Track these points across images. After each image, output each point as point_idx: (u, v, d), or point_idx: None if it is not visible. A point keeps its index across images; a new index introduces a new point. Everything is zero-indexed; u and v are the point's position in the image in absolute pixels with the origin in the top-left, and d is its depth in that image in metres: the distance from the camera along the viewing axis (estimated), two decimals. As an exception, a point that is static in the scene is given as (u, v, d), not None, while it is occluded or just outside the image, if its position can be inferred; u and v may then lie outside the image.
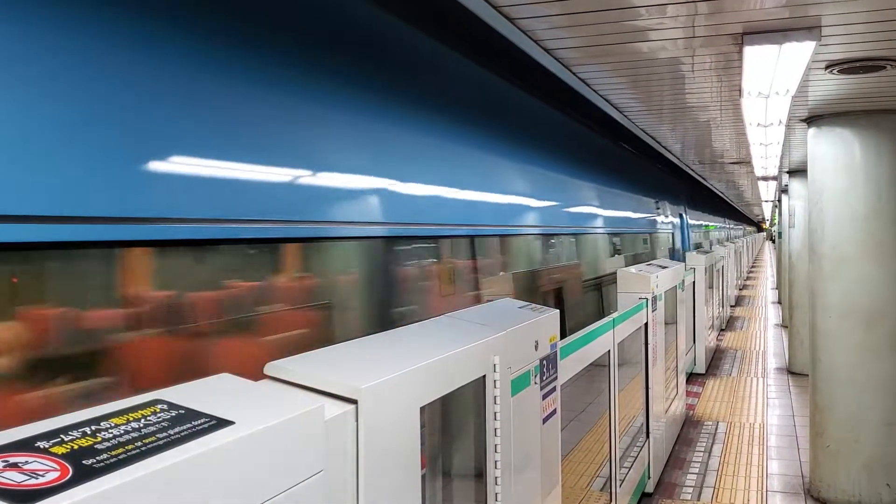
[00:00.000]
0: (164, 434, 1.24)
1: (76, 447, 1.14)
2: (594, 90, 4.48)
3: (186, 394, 1.44)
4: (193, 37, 2.22)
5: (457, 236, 3.75)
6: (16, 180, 1.68)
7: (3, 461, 1.06)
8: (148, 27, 2.09)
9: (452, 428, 2.37)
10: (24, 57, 1.76)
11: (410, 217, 3.20)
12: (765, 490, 5.84)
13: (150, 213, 2.00)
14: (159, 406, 1.37)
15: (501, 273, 4.53)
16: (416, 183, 3.23)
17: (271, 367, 1.68)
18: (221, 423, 1.31)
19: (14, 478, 1.02)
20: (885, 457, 5.36)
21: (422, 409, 1.85)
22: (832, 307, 5.51)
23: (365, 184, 2.86)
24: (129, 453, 1.14)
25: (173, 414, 1.34)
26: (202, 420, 1.31)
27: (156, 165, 2.03)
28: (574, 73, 3.97)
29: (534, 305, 2.97)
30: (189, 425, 1.29)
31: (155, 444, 1.19)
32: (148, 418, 1.30)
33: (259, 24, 2.49)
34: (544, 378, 2.77)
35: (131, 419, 1.29)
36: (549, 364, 2.82)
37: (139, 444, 1.19)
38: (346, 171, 2.76)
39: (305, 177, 2.58)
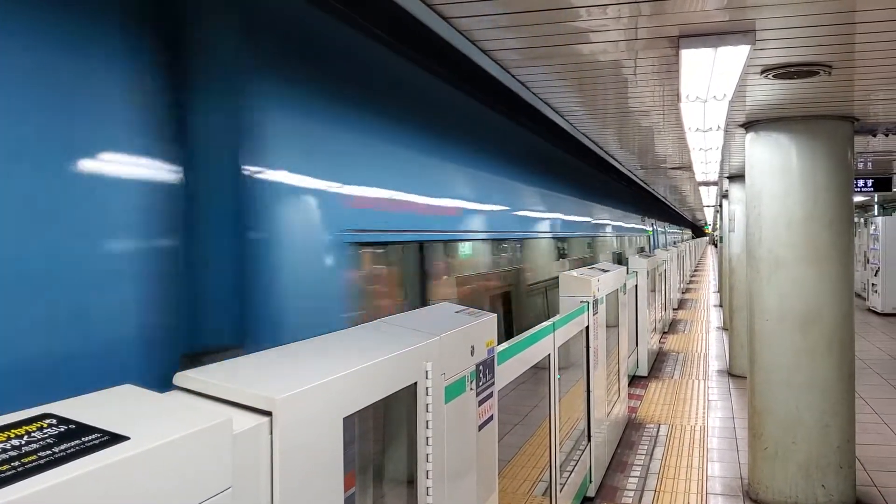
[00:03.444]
0: (48, 452, 1.12)
1: (-61, 470, 1.02)
2: (535, 94, 4.44)
3: (81, 407, 1.33)
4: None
5: (395, 242, 3.66)
6: None
7: None
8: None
9: (388, 437, 2.28)
10: None
11: (351, 224, 3.11)
12: (705, 492, 5.88)
13: None
14: (47, 421, 1.25)
15: (445, 278, 4.45)
16: (354, 186, 3.14)
17: (180, 378, 1.57)
18: (115, 439, 1.20)
19: None
20: (820, 458, 5.45)
21: (346, 419, 1.76)
22: (769, 310, 5.58)
23: (302, 186, 2.76)
24: (2, 475, 1.03)
25: (62, 429, 1.22)
26: (94, 436, 1.20)
27: None
28: (514, 76, 3.92)
29: (471, 310, 2.91)
30: (78, 442, 1.17)
31: (35, 463, 1.08)
32: (32, 434, 1.19)
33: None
34: (481, 384, 2.70)
35: (12, 436, 1.17)
36: (485, 369, 2.76)
37: (16, 464, 1.07)
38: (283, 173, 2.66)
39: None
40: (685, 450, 6.99)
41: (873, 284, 17.88)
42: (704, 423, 7.94)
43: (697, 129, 5.59)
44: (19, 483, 1.02)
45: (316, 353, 1.90)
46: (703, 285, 28.31)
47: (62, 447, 1.15)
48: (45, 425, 1.23)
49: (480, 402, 2.71)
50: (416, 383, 2.18)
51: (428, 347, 2.23)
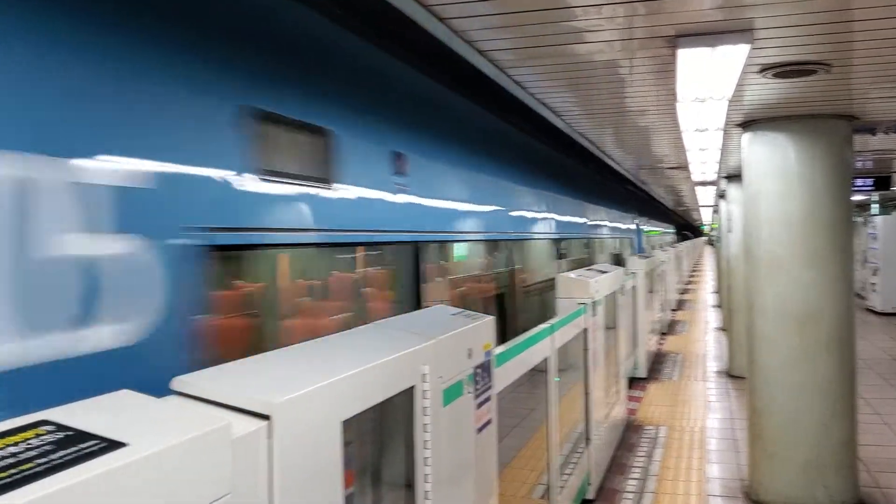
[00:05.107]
0: (45, 459, 1.12)
1: (-65, 478, 1.01)
2: (531, 94, 4.44)
3: (79, 413, 1.32)
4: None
5: (391, 243, 3.66)
6: None
7: None
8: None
9: (385, 441, 2.28)
10: None
11: (343, 223, 3.10)
12: (705, 494, 5.88)
13: None
14: (45, 428, 1.24)
15: (439, 279, 4.45)
16: (342, 185, 3.13)
17: (177, 382, 1.56)
18: (113, 445, 1.19)
19: None
20: (820, 458, 5.44)
21: (344, 423, 1.75)
22: (768, 310, 5.57)
23: (292, 190, 2.75)
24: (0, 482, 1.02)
25: (60, 436, 1.21)
26: (91, 442, 1.20)
27: None
28: (509, 76, 3.92)
29: (468, 312, 2.90)
30: (75, 448, 1.17)
31: (32, 470, 1.07)
32: (29, 442, 1.18)
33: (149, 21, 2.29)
34: (478, 387, 2.69)
35: (9, 443, 1.16)
36: (483, 372, 2.75)
37: (13, 471, 1.06)
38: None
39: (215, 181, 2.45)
40: (685, 451, 6.99)
41: (872, 284, 17.89)
42: (704, 425, 7.93)
43: (696, 129, 5.59)
44: (17, 490, 1.01)
45: (313, 357, 1.89)
46: (701, 286, 28.33)
47: (60, 454, 1.14)
48: (42, 432, 1.22)
49: (479, 406, 2.70)
50: (413, 387, 2.17)
51: (425, 350, 2.23)
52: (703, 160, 8.41)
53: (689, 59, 3.43)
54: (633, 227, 17.36)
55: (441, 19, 2.85)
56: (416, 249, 3.95)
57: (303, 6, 3.05)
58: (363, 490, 2.14)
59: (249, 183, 2.48)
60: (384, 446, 2.27)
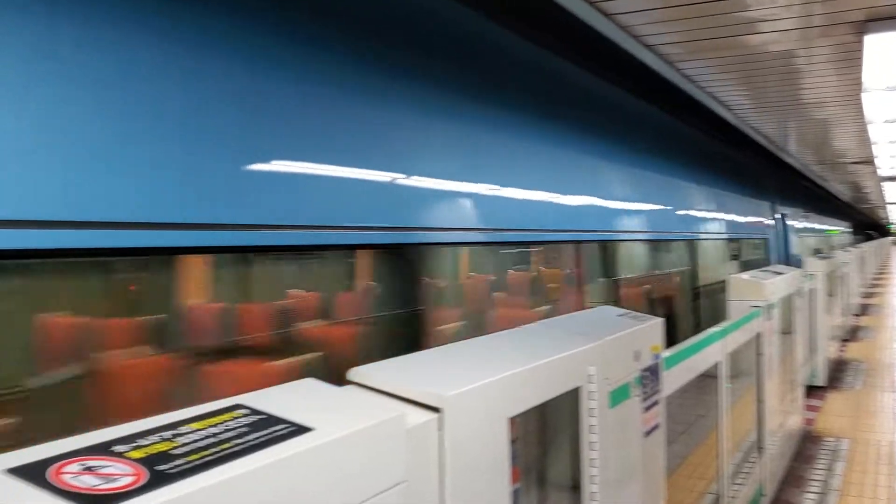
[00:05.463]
0: (242, 440, 1.22)
1: (152, 452, 1.13)
2: (700, 87, 4.28)
3: (268, 399, 1.42)
4: (294, 45, 2.23)
5: (558, 242, 3.65)
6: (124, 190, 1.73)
7: (80, 465, 1.06)
8: (248, 35, 2.11)
9: (549, 440, 2.29)
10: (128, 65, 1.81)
11: (510, 223, 3.14)
12: (894, 513, 5.42)
13: (247, 220, 2.03)
14: (239, 411, 1.35)
15: (603, 280, 4.39)
16: (514, 188, 3.17)
17: (354, 373, 1.65)
18: (300, 430, 1.28)
19: (89, 482, 1.02)
20: None
21: (511, 420, 1.78)
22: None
23: (463, 189, 2.82)
24: (204, 459, 1.13)
25: (253, 419, 1.32)
26: (281, 426, 1.29)
27: (257, 172, 2.05)
28: (678, 70, 3.80)
29: (634, 313, 2.85)
30: (267, 431, 1.26)
31: (231, 450, 1.18)
32: (227, 424, 1.29)
33: (355, 30, 2.49)
34: (646, 390, 2.63)
35: (210, 424, 1.28)
36: (651, 375, 2.69)
37: (216, 449, 1.17)
38: (443, 178, 2.74)
39: (403, 183, 2.56)
40: (870, 466, 6.47)
41: None
42: (893, 439, 7.31)
43: (884, 120, 5.17)
44: (219, 468, 1.11)
45: (481, 353, 1.93)
46: (888, 289, 26.10)
47: (254, 436, 1.24)
48: (238, 415, 1.33)
49: (646, 409, 2.64)
50: (579, 387, 2.17)
51: (591, 351, 2.21)
52: (892, 153, 7.76)
53: (879, 46, 3.18)
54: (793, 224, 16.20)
55: (607, 15, 2.82)
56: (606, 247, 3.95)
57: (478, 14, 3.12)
58: (528, 488, 2.16)
59: None
60: (548, 446, 2.28)
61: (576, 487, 2.22)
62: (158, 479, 1.04)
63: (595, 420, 2.20)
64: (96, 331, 1.86)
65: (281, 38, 2.20)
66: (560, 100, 3.89)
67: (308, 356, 2.32)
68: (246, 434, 1.24)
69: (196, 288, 2.06)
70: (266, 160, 2.11)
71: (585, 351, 2.17)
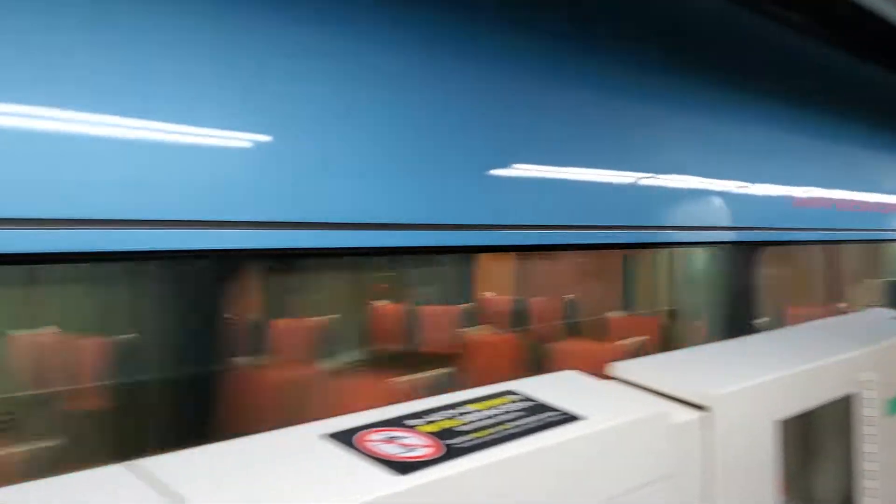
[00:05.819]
0: (518, 423, 1.30)
1: (443, 427, 1.24)
2: None
3: (535, 387, 1.50)
4: (557, 49, 2.30)
5: (829, 241, 3.43)
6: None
7: (384, 434, 1.20)
8: (506, 40, 2.22)
9: (813, 449, 2.16)
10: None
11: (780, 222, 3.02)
12: None
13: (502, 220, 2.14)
14: (511, 397, 1.44)
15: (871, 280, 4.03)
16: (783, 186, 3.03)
17: (615, 368, 1.68)
18: (571, 418, 1.34)
19: (391, 450, 1.15)
20: None
21: (777, 424, 1.71)
22: None
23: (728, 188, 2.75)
24: (490, 437, 1.22)
25: (525, 405, 1.40)
26: (552, 413, 1.36)
27: (513, 174, 2.16)
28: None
29: (912, 317, 2.60)
30: (540, 417, 1.34)
31: (511, 431, 1.26)
32: (502, 407, 1.38)
33: (625, 32, 2.50)
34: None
35: (488, 406, 1.38)
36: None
37: (497, 429, 1.26)
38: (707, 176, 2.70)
39: (661, 183, 2.55)
40: None
41: None
42: None
43: None
44: (501, 446, 1.20)
45: (743, 354, 1.89)
46: None
47: (528, 420, 1.32)
48: (512, 400, 1.42)
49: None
50: (851, 393, 2.03)
51: (866, 356, 2.07)
52: None
53: None
54: None
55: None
56: None
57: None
58: (792, 498, 2.06)
59: None
60: (811, 455, 2.15)
61: (847, 502, 2.09)
62: (453, 452, 1.15)
63: (875, 430, 2.05)
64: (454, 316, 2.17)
65: (531, 41, 2.28)
66: (849, 98, 3.65)
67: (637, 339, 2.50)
68: (522, 417, 1.33)
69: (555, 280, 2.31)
70: (521, 164, 2.20)
71: (860, 355, 2.03)
